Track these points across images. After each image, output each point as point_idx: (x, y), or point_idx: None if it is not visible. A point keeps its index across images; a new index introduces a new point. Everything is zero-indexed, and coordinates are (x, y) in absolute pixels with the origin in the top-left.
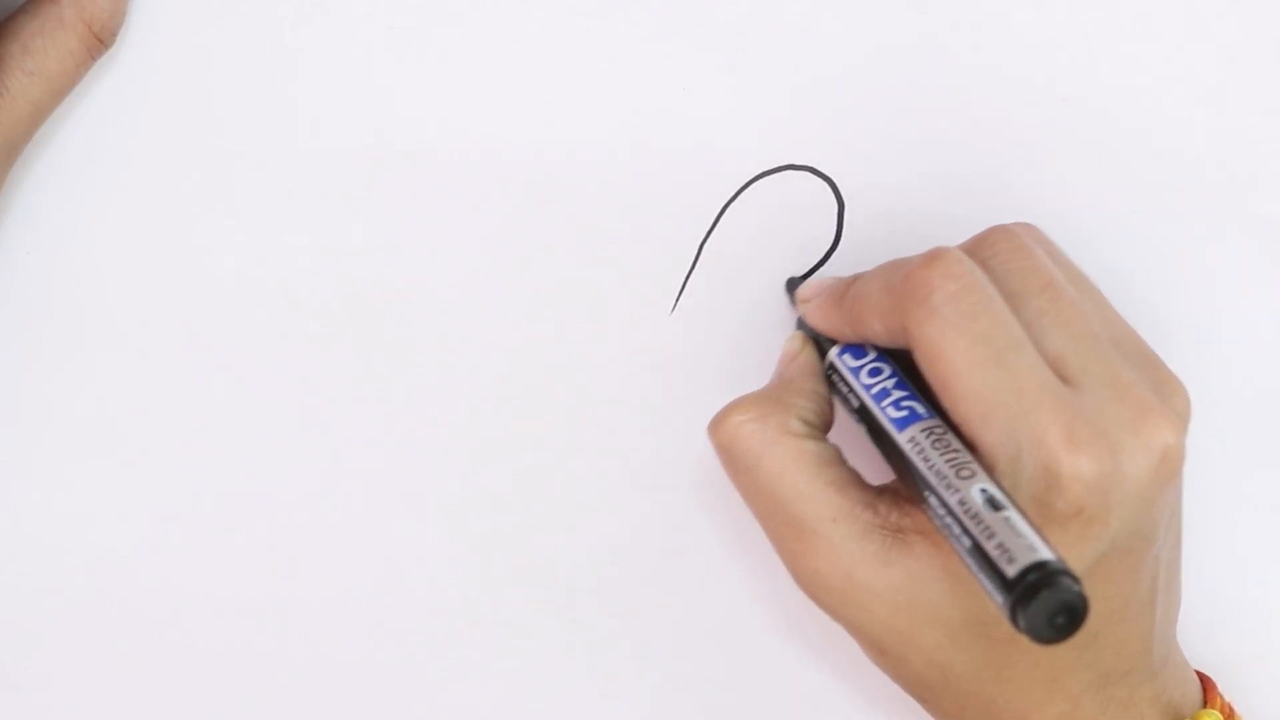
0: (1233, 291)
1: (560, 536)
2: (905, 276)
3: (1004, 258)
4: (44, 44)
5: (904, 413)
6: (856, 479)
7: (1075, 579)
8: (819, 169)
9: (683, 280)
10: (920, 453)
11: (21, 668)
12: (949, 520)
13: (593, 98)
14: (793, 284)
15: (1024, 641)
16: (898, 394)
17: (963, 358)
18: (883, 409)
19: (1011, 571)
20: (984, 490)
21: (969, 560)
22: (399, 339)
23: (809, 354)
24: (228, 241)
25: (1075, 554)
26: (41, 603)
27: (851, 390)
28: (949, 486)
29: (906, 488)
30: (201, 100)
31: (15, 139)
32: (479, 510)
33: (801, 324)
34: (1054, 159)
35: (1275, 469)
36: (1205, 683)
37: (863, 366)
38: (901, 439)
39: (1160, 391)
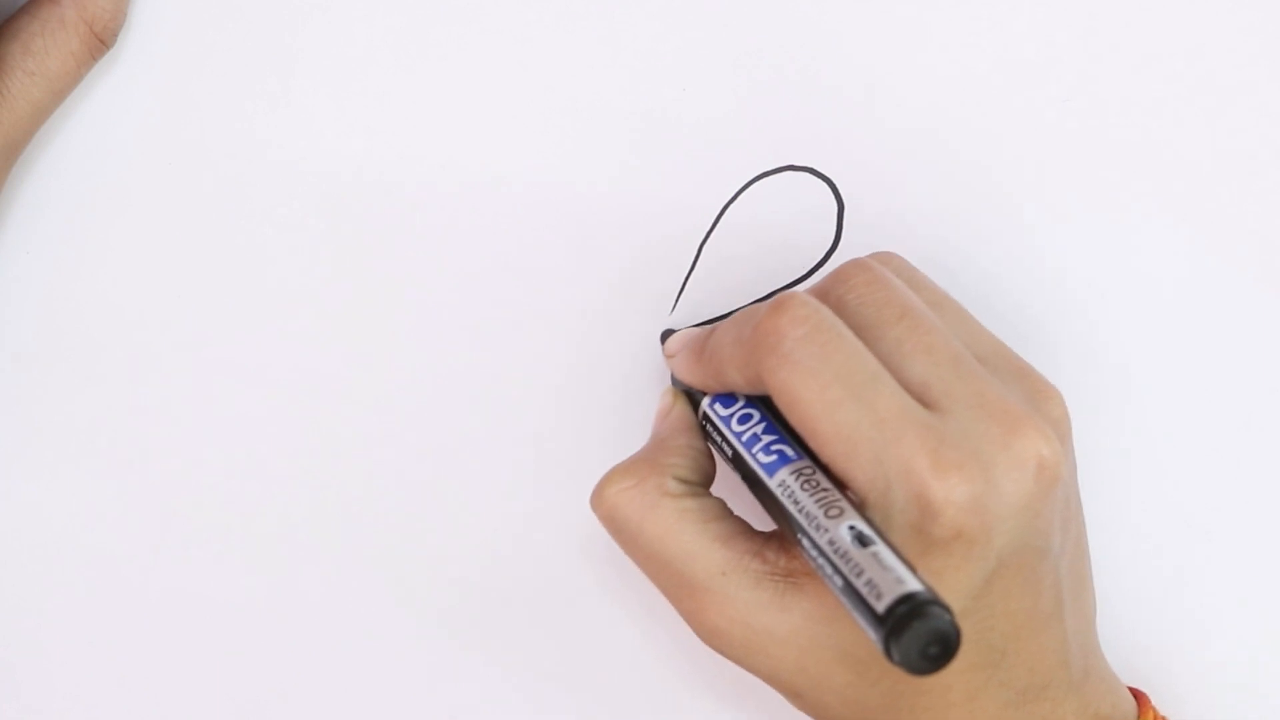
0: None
1: (563, 538)
2: (754, 328)
3: (858, 291)
4: (45, 44)
5: (773, 457)
6: (743, 528)
7: (945, 608)
8: (819, 169)
9: (682, 281)
10: (790, 495)
11: (21, 668)
12: (821, 561)
13: (592, 98)
14: (665, 336)
15: None
16: (767, 439)
17: (819, 399)
18: (753, 455)
19: (880, 607)
20: (852, 527)
21: (844, 599)
22: (398, 338)
23: (682, 408)
24: (227, 241)
25: (963, 575)
26: (41, 603)
27: (724, 439)
28: (818, 527)
29: (783, 531)
30: (202, 100)
31: (16, 139)
32: (480, 510)
33: (675, 378)
34: (1053, 158)
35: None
36: (1139, 697)
37: (733, 415)
38: (771, 484)
39: (1033, 401)
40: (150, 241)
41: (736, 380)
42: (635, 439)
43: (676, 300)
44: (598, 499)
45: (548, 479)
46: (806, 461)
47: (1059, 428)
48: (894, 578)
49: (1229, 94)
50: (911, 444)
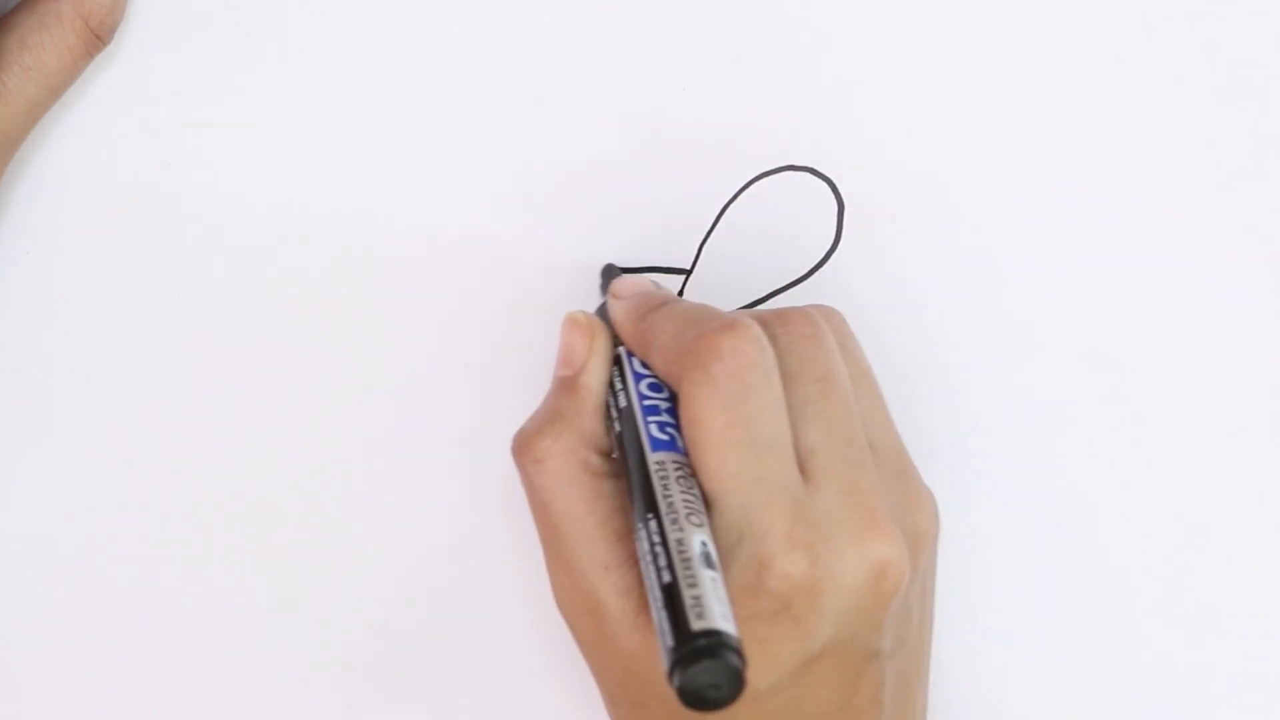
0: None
1: None
2: (697, 335)
3: (794, 338)
4: (42, 40)
5: (666, 437)
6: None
7: (744, 663)
8: (819, 169)
9: (683, 281)
10: (663, 479)
11: (21, 668)
12: (658, 552)
13: (592, 98)
14: (609, 272)
15: None
16: (667, 419)
17: (720, 433)
18: (646, 422)
19: (696, 626)
20: (705, 544)
21: (657, 594)
22: (397, 338)
23: (604, 352)
24: (227, 240)
25: (784, 649)
26: (41, 603)
27: (625, 388)
28: (675, 522)
29: (633, 506)
30: (200, 98)
31: (12, 135)
32: (480, 509)
33: (601, 311)
34: (1053, 157)
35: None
36: None
37: (648, 376)
38: (651, 458)
39: (902, 506)
40: (149, 240)
41: (657, 364)
42: None
43: None
44: (523, 453)
45: None
46: (689, 463)
47: (919, 538)
48: (722, 611)
49: (1230, 93)
50: (776, 512)
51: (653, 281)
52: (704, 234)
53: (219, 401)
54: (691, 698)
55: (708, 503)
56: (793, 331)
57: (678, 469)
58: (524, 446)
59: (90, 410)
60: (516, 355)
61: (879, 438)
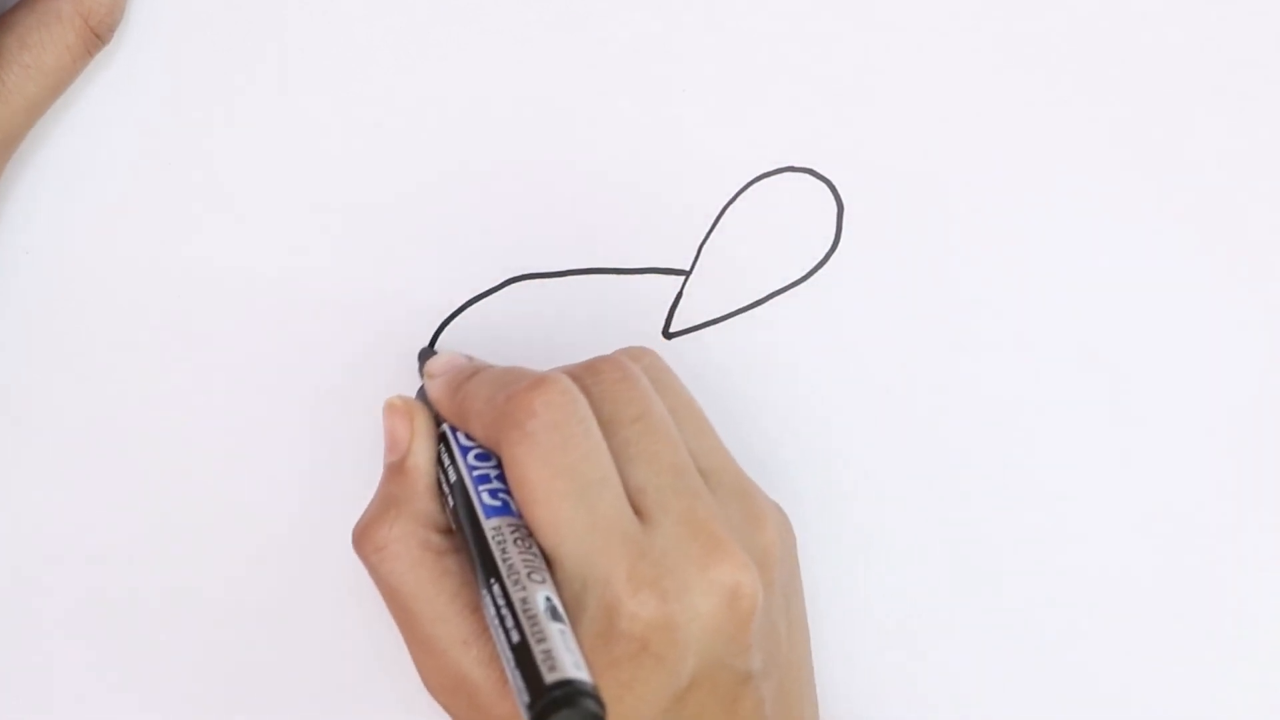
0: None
1: None
2: (509, 396)
3: (605, 384)
4: (41, 38)
5: (498, 502)
6: None
7: (603, 708)
8: (818, 170)
9: (682, 282)
10: (500, 544)
11: (21, 668)
12: (504, 613)
13: (592, 98)
14: (424, 355)
15: None
16: (498, 485)
17: (545, 487)
18: (478, 491)
19: (549, 678)
20: (549, 599)
21: (508, 655)
22: (397, 338)
23: (427, 434)
24: (227, 240)
25: (651, 689)
26: (41, 603)
27: (454, 463)
28: (517, 582)
29: (476, 575)
30: (200, 97)
31: (11, 134)
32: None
33: (421, 394)
34: (1053, 156)
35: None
36: None
37: (472, 448)
38: (487, 525)
39: (746, 525)
40: (149, 240)
41: (478, 433)
42: None
43: (676, 301)
44: (362, 543)
45: None
46: (524, 523)
47: (767, 555)
48: (573, 660)
49: (1230, 93)
50: (615, 555)
51: (465, 356)
52: (703, 235)
53: (220, 400)
54: None
55: (548, 559)
56: (603, 379)
57: (514, 531)
58: (363, 537)
59: (90, 410)
60: (519, 353)
61: (712, 464)
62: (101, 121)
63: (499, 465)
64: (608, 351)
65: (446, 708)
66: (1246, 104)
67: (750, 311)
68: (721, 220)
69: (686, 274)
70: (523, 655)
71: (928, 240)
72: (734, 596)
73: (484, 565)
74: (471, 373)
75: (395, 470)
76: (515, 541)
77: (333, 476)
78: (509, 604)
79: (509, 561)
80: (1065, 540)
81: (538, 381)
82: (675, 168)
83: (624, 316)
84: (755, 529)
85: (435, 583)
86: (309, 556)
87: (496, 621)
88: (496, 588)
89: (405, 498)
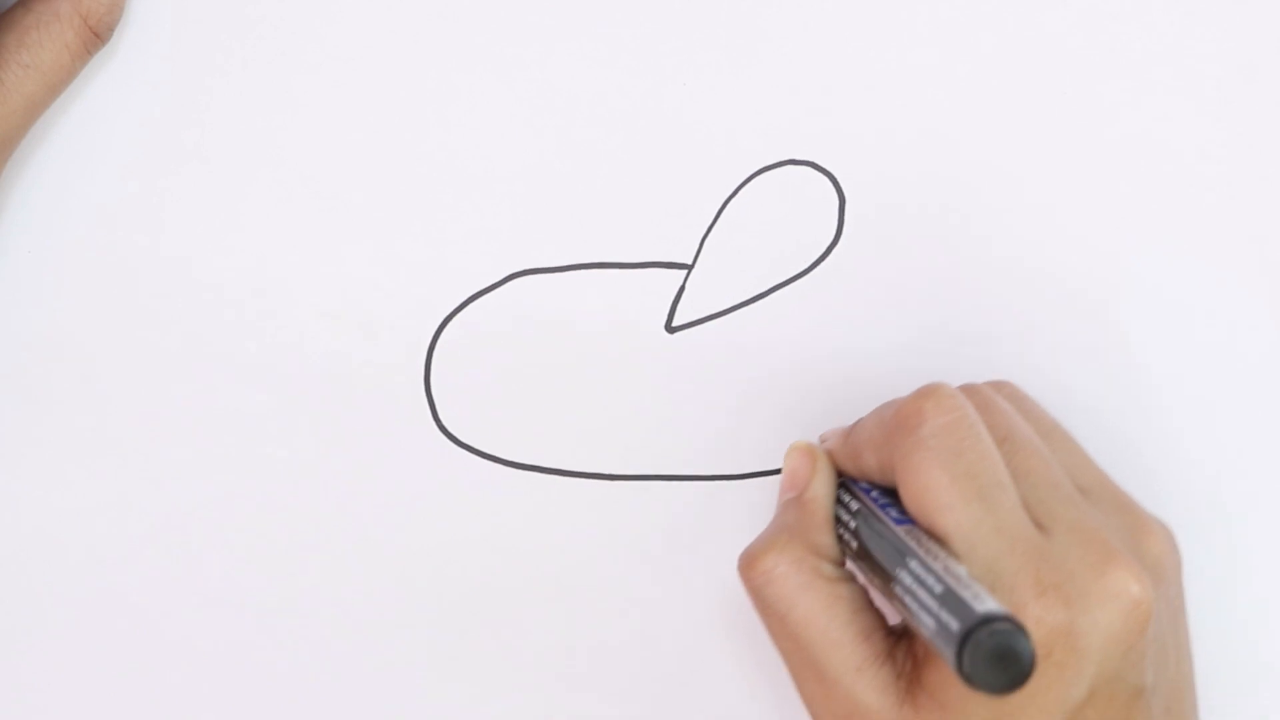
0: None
1: (564, 535)
2: (896, 410)
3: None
4: (40, 37)
5: (904, 519)
6: (881, 623)
7: (1034, 654)
8: (820, 164)
9: (684, 277)
10: (913, 535)
11: (21, 668)
12: (926, 578)
13: (593, 94)
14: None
15: None
16: (896, 513)
17: (948, 490)
18: (883, 509)
19: (981, 609)
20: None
21: (931, 606)
22: (397, 339)
23: (827, 474)
24: (227, 240)
25: (1054, 697)
26: (41, 602)
27: (855, 497)
28: (935, 557)
29: (885, 566)
30: (199, 96)
31: (10, 133)
32: (481, 507)
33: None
34: (1053, 153)
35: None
36: None
37: (873, 489)
38: (898, 528)
39: (1133, 536)
40: (149, 239)
41: (871, 463)
42: (647, 429)
43: (678, 297)
44: (750, 569)
45: (557, 493)
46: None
47: (1157, 567)
48: (1000, 603)
49: (1231, 93)
50: (1020, 560)
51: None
52: (705, 229)
53: (219, 400)
54: (990, 661)
55: None
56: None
57: (923, 536)
58: (751, 563)
59: (90, 410)
60: (518, 353)
61: (1089, 481)
62: (101, 121)
63: (897, 499)
64: (610, 348)
65: None
66: (1247, 104)
67: (753, 305)
68: (723, 214)
69: (689, 268)
70: (950, 598)
71: (930, 233)
72: (1132, 606)
73: (897, 549)
74: (855, 422)
75: (793, 503)
76: (925, 541)
77: (333, 476)
78: (929, 570)
79: (924, 544)
80: None
81: (925, 390)
82: (677, 162)
83: (626, 311)
84: (1145, 540)
85: (827, 609)
86: (309, 556)
87: (915, 591)
88: (914, 562)
89: (801, 528)
